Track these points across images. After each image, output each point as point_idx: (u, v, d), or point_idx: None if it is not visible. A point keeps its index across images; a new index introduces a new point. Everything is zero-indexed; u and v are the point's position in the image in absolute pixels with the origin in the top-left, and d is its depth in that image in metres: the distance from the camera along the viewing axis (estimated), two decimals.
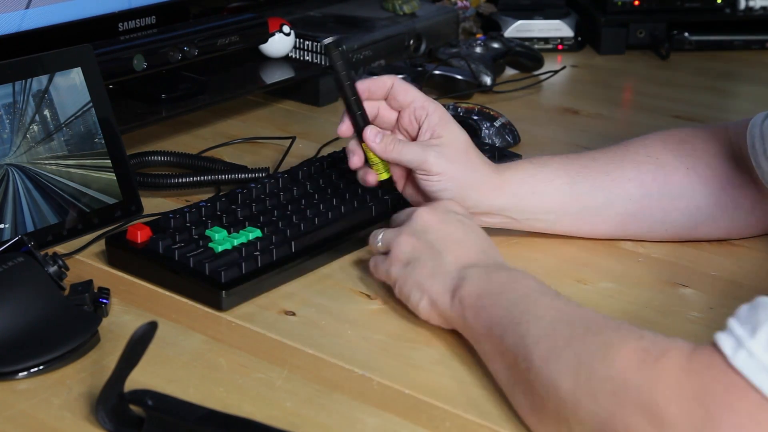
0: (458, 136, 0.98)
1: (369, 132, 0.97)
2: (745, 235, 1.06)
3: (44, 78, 1.04)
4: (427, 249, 0.89)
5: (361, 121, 0.98)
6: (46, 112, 1.04)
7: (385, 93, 0.99)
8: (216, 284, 0.92)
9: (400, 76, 1.43)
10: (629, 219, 1.03)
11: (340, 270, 1.00)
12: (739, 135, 1.01)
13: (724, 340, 0.65)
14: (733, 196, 1.02)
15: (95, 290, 0.91)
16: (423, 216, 0.92)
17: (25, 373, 0.81)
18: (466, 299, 0.84)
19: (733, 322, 0.66)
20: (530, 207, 1.01)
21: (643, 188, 1.02)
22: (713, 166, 1.02)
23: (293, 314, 0.91)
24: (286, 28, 1.43)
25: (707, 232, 1.05)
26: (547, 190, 1.00)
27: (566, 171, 1.01)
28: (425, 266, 0.88)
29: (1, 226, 0.98)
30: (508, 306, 0.80)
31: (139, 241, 0.97)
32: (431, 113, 0.97)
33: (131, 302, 0.93)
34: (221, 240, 0.97)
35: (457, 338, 0.87)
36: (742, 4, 1.74)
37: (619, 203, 1.02)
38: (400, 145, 0.97)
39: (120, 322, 0.89)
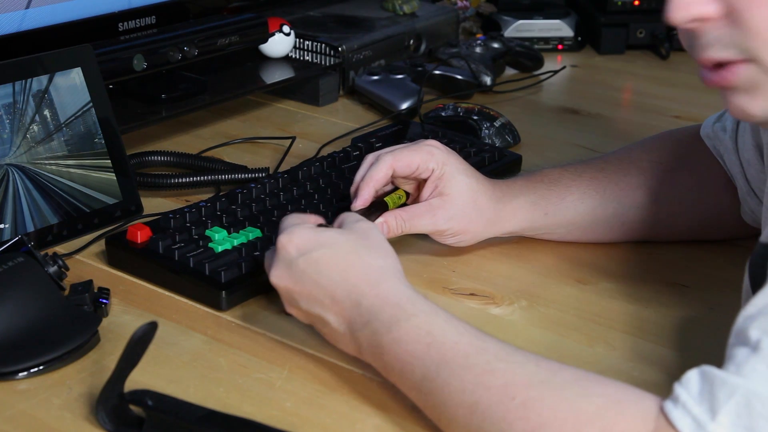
0: (462, 187, 0.97)
1: None
2: (749, 235, 1.06)
3: (44, 78, 1.04)
4: (306, 296, 0.82)
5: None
6: (46, 112, 1.04)
7: (389, 178, 0.97)
8: (216, 284, 0.92)
9: (400, 76, 1.44)
10: (638, 225, 1.03)
11: None
12: None
13: (680, 420, 0.62)
14: (734, 195, 1.02)
15: (95, 290, 0.91)
16: (287, 247, 0.83)
17: (25, 373, 0.81)
18: (371, 360, 0.79)
19: (685, 396, 0.63)
20: (542, 226, 1.02)
21: (651, 195, 1.02)
22: (714, 166, 1.02)
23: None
24: (286, 28, 1.43)
25: (713, 234, 1.05)
26: (559, 210, 1.01)
27: (577, 185, 1.02)
28: (314, 318, 0.83)
29: (1, 226, 0.98)
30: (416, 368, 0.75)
31: (139, 241, 0.97)
32: (435, 171, 0.96)
33: (131, 302, 0.93)
34: (221, 240, 0.97)
35: None
36: None
37: (629, 212, 1.02)
38: (408, 223, 0.96)
39: (120, 322, 0.89)
